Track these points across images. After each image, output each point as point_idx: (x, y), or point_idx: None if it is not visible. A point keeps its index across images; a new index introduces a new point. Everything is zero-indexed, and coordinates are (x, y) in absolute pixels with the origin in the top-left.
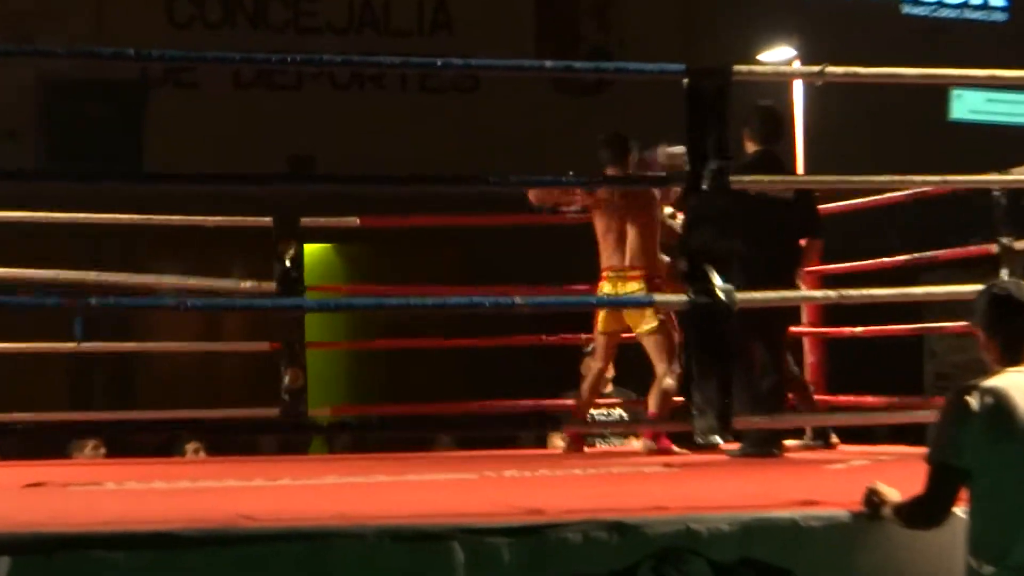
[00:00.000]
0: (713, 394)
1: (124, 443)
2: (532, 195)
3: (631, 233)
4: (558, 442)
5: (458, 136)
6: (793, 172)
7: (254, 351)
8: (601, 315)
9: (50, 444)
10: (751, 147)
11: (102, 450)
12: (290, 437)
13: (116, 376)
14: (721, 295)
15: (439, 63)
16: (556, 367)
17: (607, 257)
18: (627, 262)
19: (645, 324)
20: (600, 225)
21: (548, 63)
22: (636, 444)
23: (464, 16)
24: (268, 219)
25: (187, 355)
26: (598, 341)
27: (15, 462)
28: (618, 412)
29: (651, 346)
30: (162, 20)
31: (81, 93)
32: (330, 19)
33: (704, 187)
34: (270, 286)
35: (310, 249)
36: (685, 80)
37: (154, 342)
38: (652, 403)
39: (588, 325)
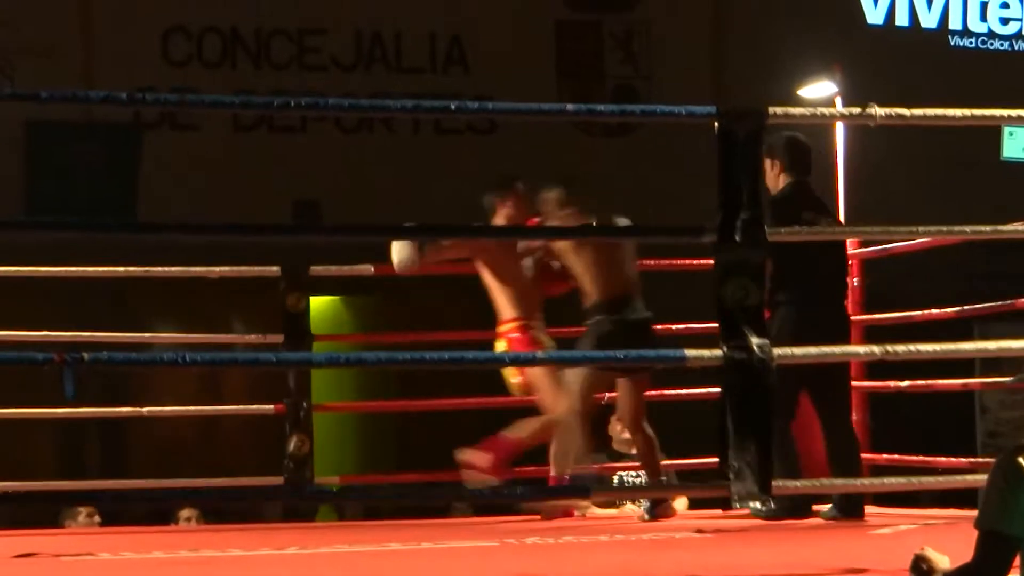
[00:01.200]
0: (752, 456)
1: (118, 511)
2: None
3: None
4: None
5: (475, 181)
6: (826, 206)
7: (257, 413)
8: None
9: (41, 512)
10: (781, 179)
11: (96, 518)
12: (296, 504)
13: (109, 439)
14: (758, 350)
15: (453, 107)
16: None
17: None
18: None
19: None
20: (503, 272)
21: (570, 106)
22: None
23: (480, 52)
24: (275, 268)
25: (185, 416)
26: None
27: (2, 531)
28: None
29: (532, 392)
30: (157, 58)
31: (70, 137)
32: (336, 55)
33: (737, 238)
34: (276, 339)
35: (317, 303)
36: (715, 123)
37: (150, 404)
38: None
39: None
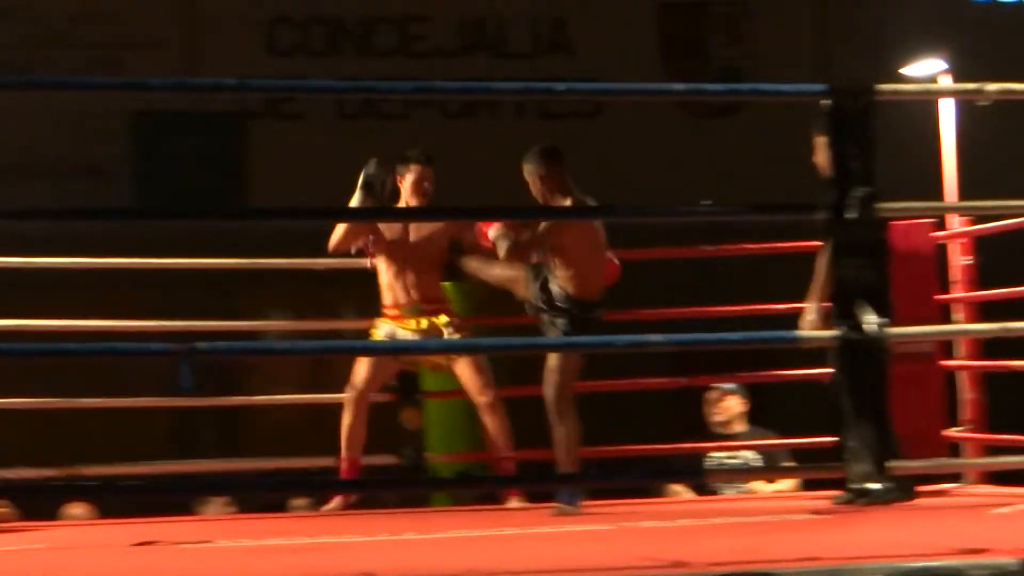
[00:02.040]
0: (868, 437)
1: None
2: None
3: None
4: (677, 489)
5: (580, 165)
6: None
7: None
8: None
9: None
10: None
11: (233, 507)
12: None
13: (222, 425)
14: (873, 329)
15: (562, 88)
16: (680, 407)
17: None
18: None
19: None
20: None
21: (678, 86)
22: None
23: (583, 35)
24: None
25: (296, 405)
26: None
27: (122, 519)
28: (746, 456)
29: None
30: (262, 48)
31: (175, 126)
32: (440, 43)
33: (851, 216)
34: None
35: None
36: (825, 101)
37: (262, 392)
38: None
39: (721, 364)
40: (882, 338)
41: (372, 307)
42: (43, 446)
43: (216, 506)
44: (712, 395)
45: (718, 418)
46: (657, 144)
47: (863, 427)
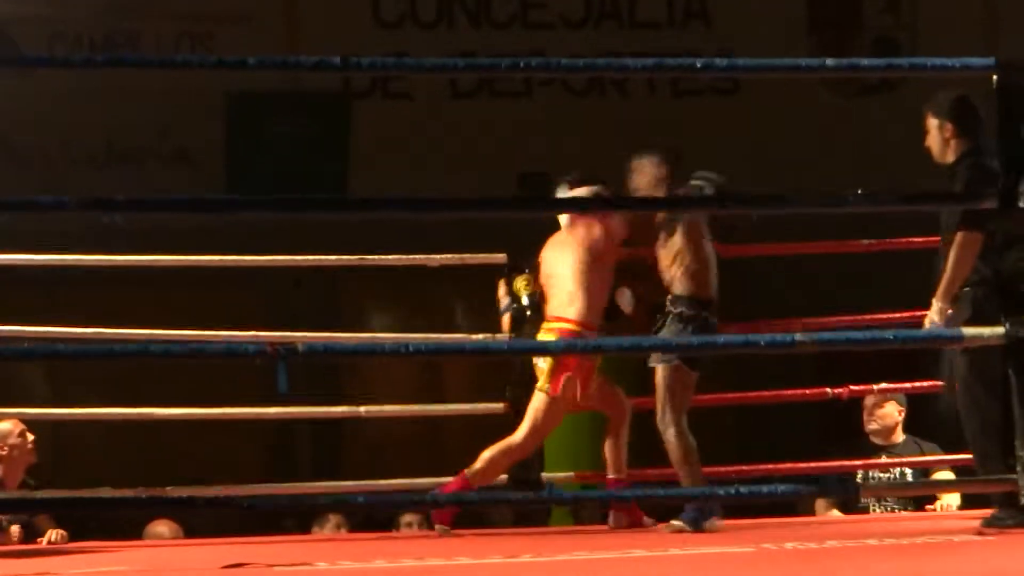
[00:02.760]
0: None
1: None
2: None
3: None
4: (824, 507)
5: (717, 146)
6: None
7: (484, 412)
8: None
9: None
10: (953, 145)
11: (344, 529)
12: (526, 507)
13: (322, 438)
14: None
15: (698, 64)
16: (822, 416)
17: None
18: None
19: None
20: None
21: (830, 61)
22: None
23: (722, 3)
24: (500, 256)
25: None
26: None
27: (210, 539)
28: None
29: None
30: (367, 19)
31: (272, 108)
32: (564, 11)
33: (1021, 204)
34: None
35: None
36: (995, 76)
37: (366, 402)
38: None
39: (868, 372)
40: None
41: (485, 308)
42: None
43: (330, 526)
44: (869, 400)
45: (874, 426)
46: (802, 124)
47: None
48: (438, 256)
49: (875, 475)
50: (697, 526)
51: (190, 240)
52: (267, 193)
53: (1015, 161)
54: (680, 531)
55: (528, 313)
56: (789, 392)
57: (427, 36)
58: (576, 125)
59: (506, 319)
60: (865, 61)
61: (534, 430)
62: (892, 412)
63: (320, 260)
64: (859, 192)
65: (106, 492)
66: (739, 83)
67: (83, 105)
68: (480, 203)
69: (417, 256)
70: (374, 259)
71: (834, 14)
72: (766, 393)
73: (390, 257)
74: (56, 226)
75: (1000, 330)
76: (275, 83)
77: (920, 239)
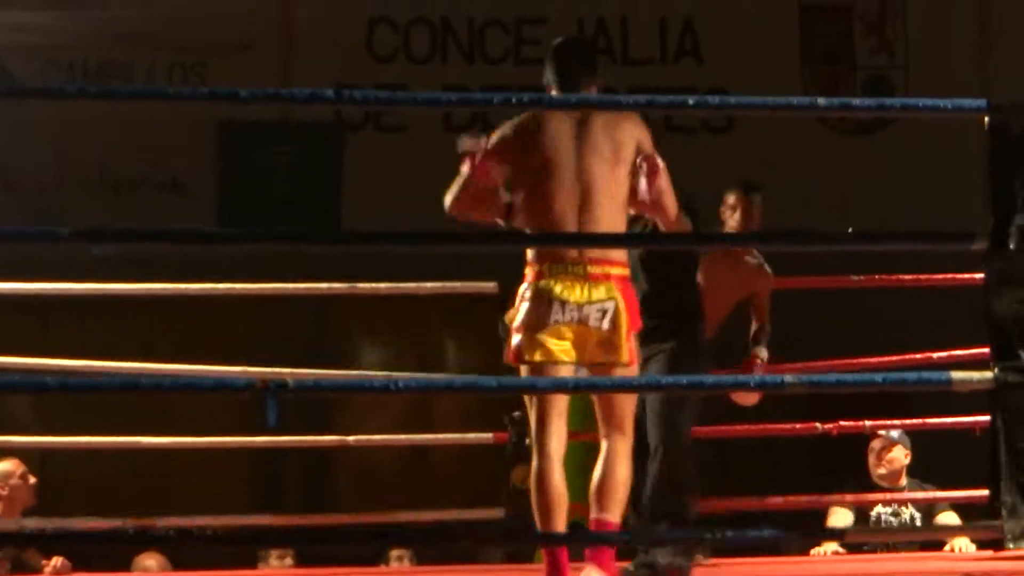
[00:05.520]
0: None
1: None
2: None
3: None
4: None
5: (710, 183)
6: None
7: (474, 443)
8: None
9: (236, 553)
10: None
11: (288, 560)
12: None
13: (310, 468)
14: None
15: (691, 101)
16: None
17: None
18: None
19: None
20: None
21: (822, 100)
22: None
23: (715, 40)
24: (491, 284)
25: (394, 445)
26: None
27: (198, 572)
28: (909, 513)
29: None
30: (361, 52)
31: (265, 138)
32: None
33: (1012, 245)
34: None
35: None
36: (986, 118)
37: (355, 431)
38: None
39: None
40: None
41: (479, 339)
42: (117, 492)
43: (273, 559)
44: (876, 443)
45: (883, 471)
46: (795, 162)
47: (1021, 480)
48: (428, 284)
49: (886, 519)
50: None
51: (183, 267)
52: (260, 222)
53: (1005, 201)
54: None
55: None
56: (776, 426)
57: (420, 70)
58: None
59: None
60: (856, 101)
61: None
62: (900, 456)
63: (310, 288)
64: (850, 231)
65: (95, 522)
66: (733, 121)
67: (77, 133)
68: (473, 237)
69: (408, 284)
70: (364, 287)
71: (827, 52)
72: (754, 427)
73: (381, 285)
74: (50, 254)
75: (989, 375)
76: (268, 113)
77: (909, 277)
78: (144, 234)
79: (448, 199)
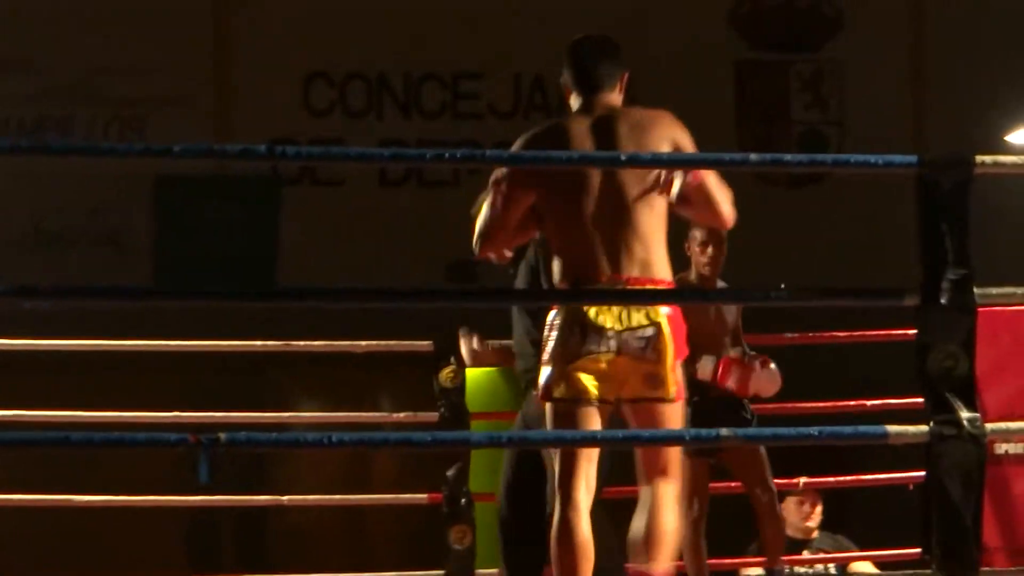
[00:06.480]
0: (959, 543)
1: None
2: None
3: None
4: None
5: None
6: None
7: (409, 503)
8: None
9: None
10: None
11: None
12: None
13: (245, 528)
14: (968, 425)
15: (623, 158)
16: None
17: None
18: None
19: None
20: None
21: (754, 156)
22: None
23: (651, 94)
24: (426, 343)
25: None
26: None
27: None
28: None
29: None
30: (297, 106)
31: (202, 193)
32: (493, 101)
33: (943, 301)
34: (429, 417)
35: (472, 374)
36: (918, 174)
37: (290, 490)
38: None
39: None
40: (980, 435)
41: (415, 394)
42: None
43: None
44: (791, 498)
45: (812, 523)
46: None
47: (955, 533)
48: (363, 343)
49: (800, 572)
50: None
51: (118, 323)
52: (195, 277)
53: (935, 257)
54: None
55: (455, 401)
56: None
57: (357, 124)
58: None
59: None
60: (788, 156)
61: None
62: (814, 510)
63: (246, 346)
64: (782, 287)
65: None
66: None
67: (10, 187)
68: (410, 294)
69: (343, 342)
70: (300, 345)
71: (762, 109)
72: None
73: (316, 343)
74: None
75: (924, 428)
76: (205, 167)
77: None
78: (76, 290)
79: (478, 242)
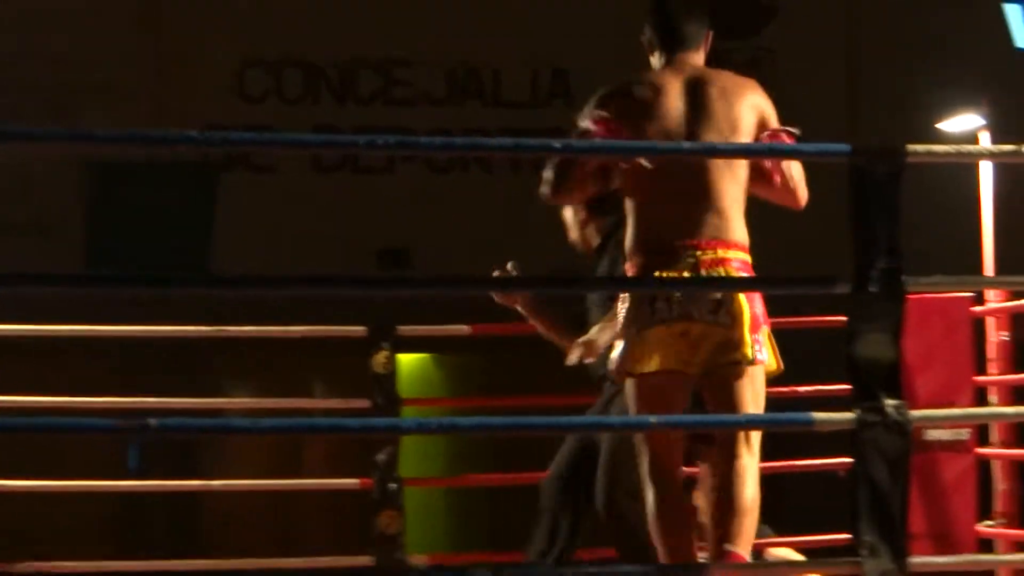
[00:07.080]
0: (887, 530)
1: None
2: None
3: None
4: None
5: None
6: None
7: (341, 488)
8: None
9: None
10: None
11: None
12: None
13: (176, 511)
14: (894, 413)
15: (558, 145)
16: None
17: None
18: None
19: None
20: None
21: (687, 144)
22: None
23: (585, 84)
24: (360, 328)
25: (262, 490)
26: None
27: None
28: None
29: (740, 398)
30: (232, 93)
31: (133, 179)
32: (427, 88)
33: (873, 290)
34: (360, 403)
35: (405, 361)
36: (849, 162)
37: (222, 475)
38: (733, 529)
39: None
40: (905, 422)
41: (348, 381)
42: None
43: None
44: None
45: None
46: None
47: (882, 520)
48: (298, 328)
49: None
50: None
51: (47, 309)
52: (127, 264)
53: (867, 246)
54: None
55: (387, 388)
56: None
57: (292, 110)
58: (438, 202)
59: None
60: (722, 145)
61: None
62: None
63: (180, 331)
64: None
65: None
66: None
67: None
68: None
69: (276, 328)
70: (234, 330)
71: None
72: None
73: (249, 328)
74: None
75: (850, 415)
76: (137, 154)
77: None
78: (7, 277)
79: (548, 188)
